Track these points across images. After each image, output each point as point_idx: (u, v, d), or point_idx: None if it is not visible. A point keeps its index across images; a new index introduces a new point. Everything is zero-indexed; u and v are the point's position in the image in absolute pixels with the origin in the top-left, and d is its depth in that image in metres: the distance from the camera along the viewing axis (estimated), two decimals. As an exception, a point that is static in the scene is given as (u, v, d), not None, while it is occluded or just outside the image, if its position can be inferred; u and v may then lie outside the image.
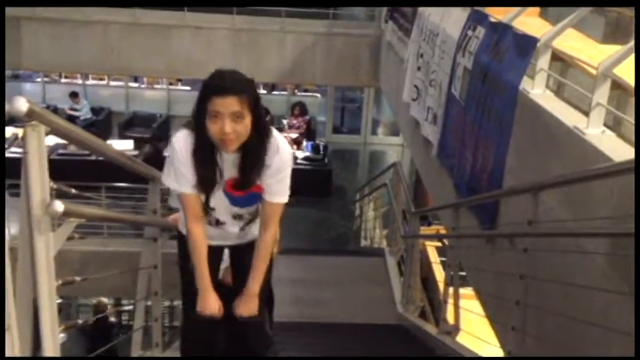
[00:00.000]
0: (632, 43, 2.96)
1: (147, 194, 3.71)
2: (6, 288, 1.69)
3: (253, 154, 2.57)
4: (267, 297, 3.38)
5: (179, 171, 2.61)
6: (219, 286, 3.12)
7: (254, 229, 2.92)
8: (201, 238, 2.74)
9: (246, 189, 2.67)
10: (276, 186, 2.68)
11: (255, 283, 2.83)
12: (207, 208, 2.73)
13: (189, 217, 2.71)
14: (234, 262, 3.13)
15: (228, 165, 2.61)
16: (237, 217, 2.84)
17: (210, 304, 2.80)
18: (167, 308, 9.98)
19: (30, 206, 1.86)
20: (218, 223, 2.85)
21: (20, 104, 1.76)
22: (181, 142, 2.58)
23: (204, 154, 2.56)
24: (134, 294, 3.75)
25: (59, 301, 2.24)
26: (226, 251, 3.11)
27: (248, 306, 2.86)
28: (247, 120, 2.46)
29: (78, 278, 2.32)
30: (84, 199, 2.85)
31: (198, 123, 2.50)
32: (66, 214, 1.95)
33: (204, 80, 2.50)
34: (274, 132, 2.65)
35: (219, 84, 2.44)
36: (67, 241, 2.11)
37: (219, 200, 2.73)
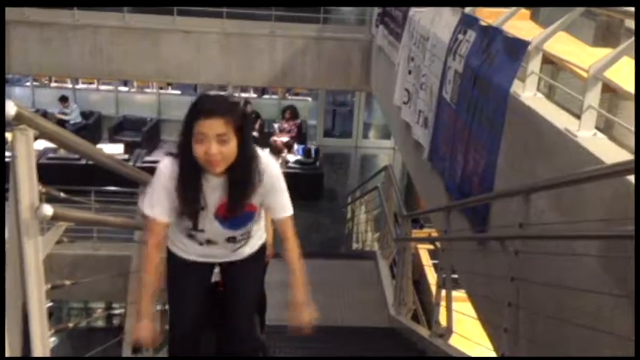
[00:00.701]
0: (622, 46, 2.97)
1: (136, 198, 3.69)
2: (7, 287, 1.67)
3: (240, 175, 2.56)
4: (258, 301, 3.37)
5: (158, 195, 2.58)
6: (211, 292, 3.12)
7: (247, 249, 2.95)
8: (156, 264, 2.68)
9: (236, 212, 2.66)
10: (279, 202, 2.73)
11: (299, 293, 2.87)
12: (195, 230, 2.73)
13: (151, 243, 2.65)
14: (224, 278, 3.14)
15: (216, 188, 2.60)
16: (230, 239, 2.83)
17: (143, 331, 2.64)
18: (158, 312, 9.94)
19: (18, 210, 1.85)
20: (209, 242, 2.83)
21: (9, 108, 1.75)
22: (169, 168, 2.57)
23: (190, 178, 2.54)
24: (125, 297, 3.72)
25: (50, 304, 2.22)
26: (216, 269, 3.11)
27: (300, 316, 2.87)
28: (233, 143, 2.45)
29: (68, 282, 2.30)
30: (73, 202, 2.83)
31: (184, 146, 2.48)
32: (55, 217, 1.94)
33: (191, 103, 2.50)
34: (259, 152, 2.65)
35: (204, 106, 2.44)
36: (56, 245, 2.09)
37: (208, 224, 2.72)
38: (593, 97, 2.96)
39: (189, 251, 2.88)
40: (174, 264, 2.93)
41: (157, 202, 2.58)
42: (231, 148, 2.44)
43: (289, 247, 2.80)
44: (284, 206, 2.75)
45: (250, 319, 3.13)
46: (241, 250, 2.93)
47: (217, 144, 2.40)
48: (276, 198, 2.71)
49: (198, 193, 2.58)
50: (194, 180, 2.54)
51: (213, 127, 2.39)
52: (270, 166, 2.65)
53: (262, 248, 3.07)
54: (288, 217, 2.78)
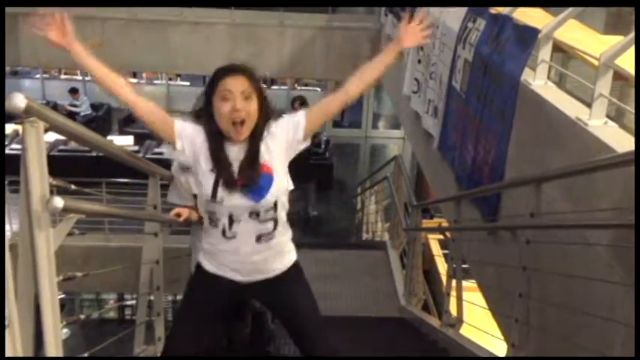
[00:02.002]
0: (633, 34, 2.94)
1: (147, 189, 3.70)
2: (7, 284, 1.68)
3: (259, 139, 2.48)
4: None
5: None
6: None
7: (277, 261, 2.67)
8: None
9: (252, 175, 2.45)
10: (302, 119, 2.55)
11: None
12: (214, 201, 2.45)
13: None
14: (267, 303, 2.96)
15: (235, 159, 2.48)
16: (253, 215, 2.50)
17: None
18: (170, 303, 10.00)
19: (30, 202, 1.86)
20: (231, 224, 2.51)
21: (18, 101, 1.75)
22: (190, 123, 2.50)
23: (216, 144, 2.46)
24: (136, 289, 3.74)
25: (62, 296, 2.23)
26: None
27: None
28: (255, 103, 2.43)
29: (79, 274, 2.31)
30: (84, 195, 2.83)
31: (208, 110, 2.44)
32: (66, 209, 1.95)
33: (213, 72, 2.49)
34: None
35: (228, 67, 2.45)
36: (68, 237, 2.10)
37: (227, 193, 2.47)
38: (604, 85, 2.93)
39: (215, 254, 2.61)
40: (196, 275, 2.73)
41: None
42: (254, 106, 2.42)
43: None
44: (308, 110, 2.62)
45: (322, 330, 2.86)
46: (271, 246, 2.59)
47: (242, 100, 2.40)
48: (297, 121, 2.54)
49: (224, 153, 2.47)
50: (219, 142, 2.47)
51: (239, 83, 2.40)
52: (276, 114, 2.56)
53: (296, 267, 2.79)
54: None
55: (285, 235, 2.67)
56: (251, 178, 2.44)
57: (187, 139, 2.46)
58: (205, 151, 2.46)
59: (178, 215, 3.59)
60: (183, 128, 2.47)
